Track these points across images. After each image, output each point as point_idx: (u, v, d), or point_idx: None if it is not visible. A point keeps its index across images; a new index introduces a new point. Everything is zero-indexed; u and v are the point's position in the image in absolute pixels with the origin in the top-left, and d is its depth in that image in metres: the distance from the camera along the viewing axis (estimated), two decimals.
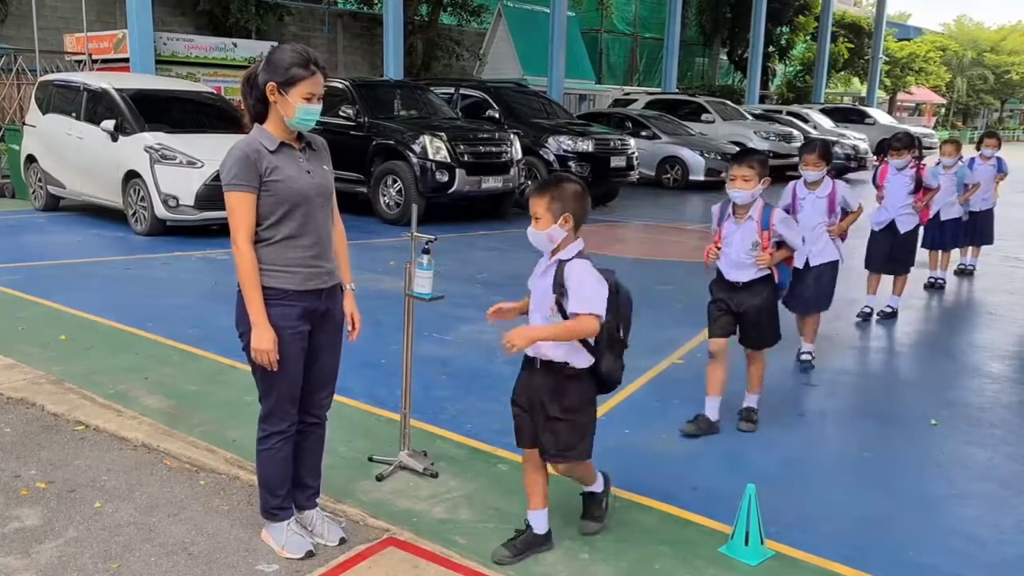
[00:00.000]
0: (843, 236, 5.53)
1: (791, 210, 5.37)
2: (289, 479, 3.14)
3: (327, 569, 3.01)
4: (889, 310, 7.07)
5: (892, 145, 6.84)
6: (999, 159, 9.15)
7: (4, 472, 3.71)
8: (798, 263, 4.96)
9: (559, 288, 2.90)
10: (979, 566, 3.22)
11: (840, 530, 3.45)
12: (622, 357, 3.10)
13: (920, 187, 6.84)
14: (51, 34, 16.47)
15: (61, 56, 15.75)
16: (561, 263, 2.93)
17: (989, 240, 9.33)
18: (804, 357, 5.64)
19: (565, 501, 3.56)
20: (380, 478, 3.72)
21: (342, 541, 3.18)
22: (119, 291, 7.32)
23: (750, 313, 4.37)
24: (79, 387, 4.74)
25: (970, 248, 9.34)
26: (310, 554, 3.09)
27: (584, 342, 2.96)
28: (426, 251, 3.47)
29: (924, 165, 6.84)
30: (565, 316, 2.91)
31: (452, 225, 11.05)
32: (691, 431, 4.34)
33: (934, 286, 8.39)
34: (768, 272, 4.36)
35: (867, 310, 6.96)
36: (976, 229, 9.08)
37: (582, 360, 2.99)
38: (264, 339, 2.88)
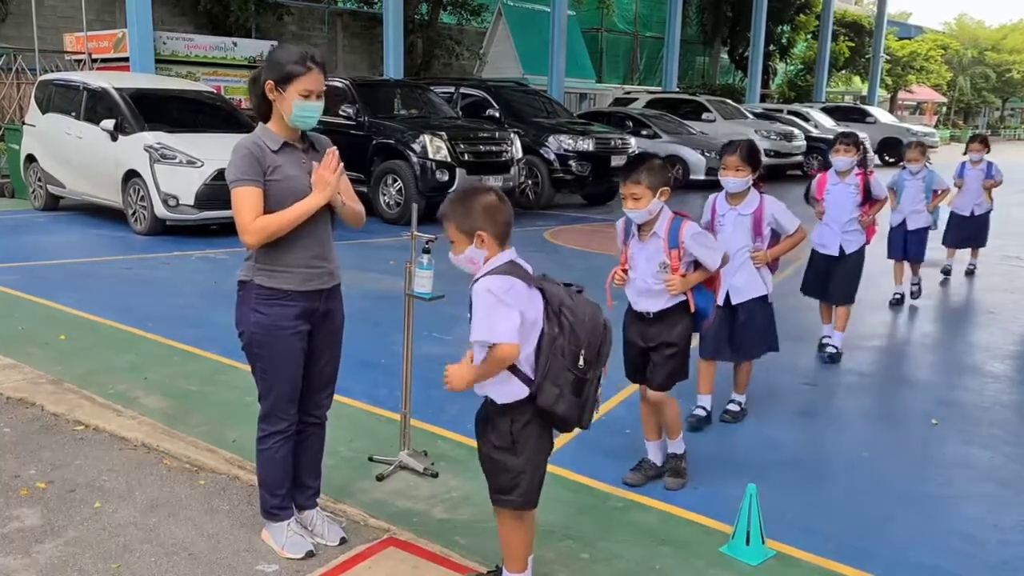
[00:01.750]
0: (773, 265, 4.50)
1: (710, 230, 4.37)
2: (289, 479, 3.14)
3: (327, 569, 3.01)
4: (833, 350, 5.83)
5: (839, 140, 5.70)
6: (989, 163, 8.79)
7: (4, 472, 3.71)
8: (720, 297, 4.16)
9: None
10: (979, 566, 3.22)
11: (841, 530, 3.44)
12: (583, 393, 2.60)
13: (868, 198, 5.73)
14: (51, 33, 16.46)
15: (61, 55, 15.75)
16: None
17: (981, 241, 9.05)
18: (731, 408, 4.62)
19: (569, 500, 3.56)
20: (380, 478, 3.72)
21: (342, 541, 3.18)
22: (119, 291, 7.32)
23: (659, 349, 3.66)
24: (79, 387, 4.74)
25: (969, 250, 9.15)
26: (310, 554, 3.08)
27: (515, 370, 2.57)
28: (426, 251, 3.46)
29: (871, 172, 5.81)
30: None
31: None
32: (634, 481, 3.73)
33: (899, 303, 7.55)
34: (684, 299, 3.63)
35: (827, 340, 5.89)
36: (973, 231, 8.85)
37: (506, 393, 2.60)
38: (320, 196, 2.86)
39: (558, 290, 2.61)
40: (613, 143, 14.12)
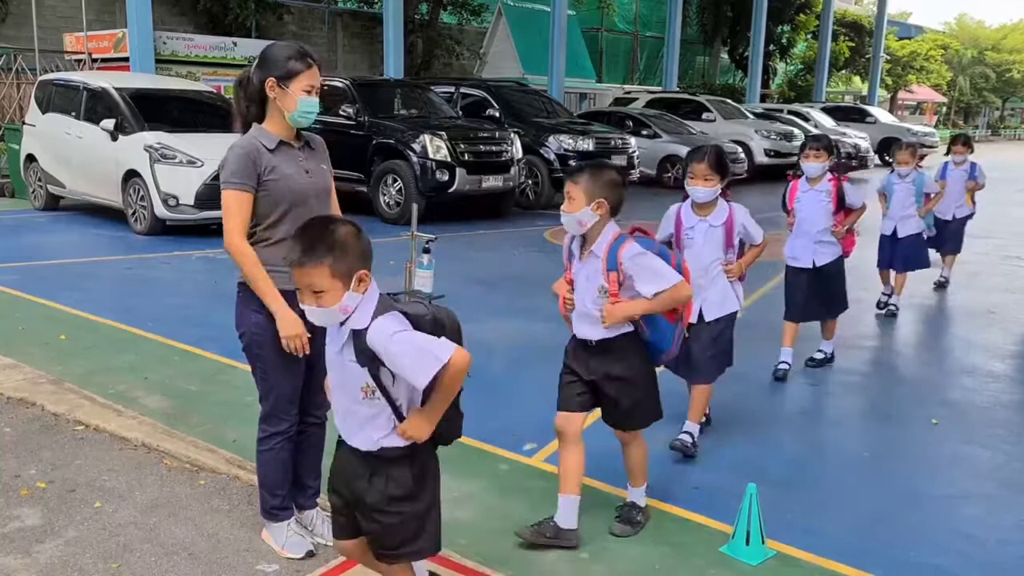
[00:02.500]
0: (741, 278, 4.23)
1: (675, 243, 4.06)
2: (289, 479, 3.14)
3: (327, 569, 3.01)
4: (821, 355, 5.64)
5: (808, 144, 5.33)
6: (973, 164, 8.35)
7: (4, 472, 3.71)
8: (693, 315, 3.90)
9: (367, 362, 2.25)
10: (980, 566, 3.22)
11: (841, 529, 3.45)
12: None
13: (842, 207, 5.30)
14: (51, 33, 16.46)
15: (61, 55, 15.75)
16: (356, 333, 2.24)
17: (955, 247, 8.42)
18: (684, 438, 4.06)
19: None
20: None
21: None
22: (119, 291, 7.32)
23: (605, 384, 3.19)
24: (79, 387, 4.74)
25: (942, 257, 8.39)
26: (310, 554, 3.09)
27: (394, 406, 2.34)
28: (426, 250, 3.47)
29: (846, 177, 5.42)
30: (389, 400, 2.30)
31: (452, 224, 11.04)
32: (530, 538, 3.19)
33: (886, 310, 7.21)
34: (631, 329, 3.16)
35: (783, 366, 5.35)
36: (950, 236, 8.26)
37: (387, 438, 2.36)
38: (291, 325, 2.85)
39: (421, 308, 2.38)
40: (613, 143, 14.13)
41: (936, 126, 46.99)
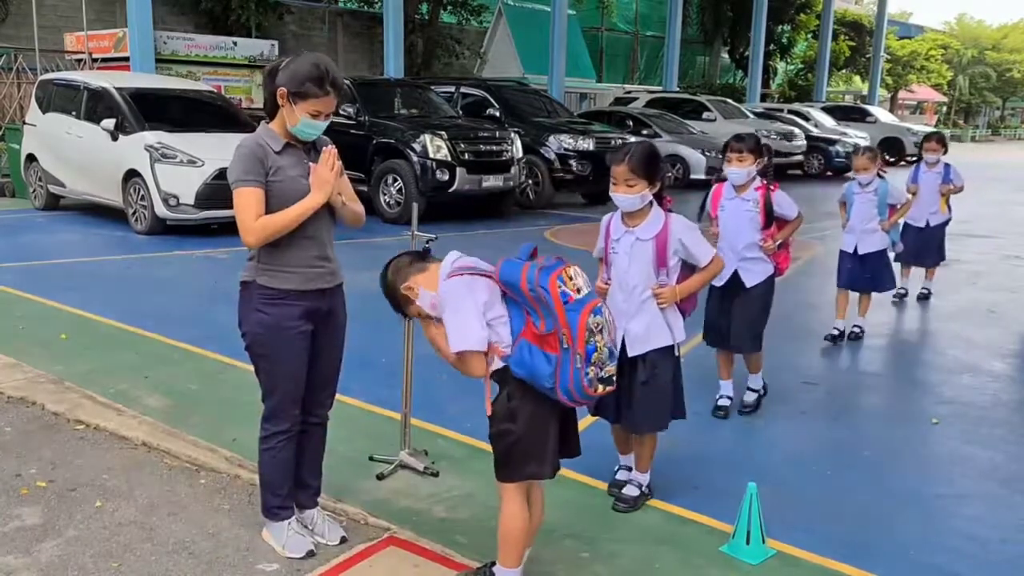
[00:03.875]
0: (687, 305, 3.49)
1: (604, 260, 3.55)
2: (290, 479, 3.14)
3: (328, 568, 3.01)
4: (753, 396, 4.76)
5: (730, 145, 4.48)
6: (947, 166, 7.53)
7: (4, 471, 3.71)
8: (630, 348, 3.36)
9: None
10: (980, 565, 3.22)
11: (842, 529, 3.44)
12: None
13: (771, 220, 4.49)
14: (51, 33, 16.47)
15: (61, 55, 15.76)
16: None
17: (939, 257, 7.77)
18: (625, 488, 3.60)
19: (570, 499, 3.56)
20: (381, 477, 3.72)
21: (343, 540, 3.18)
22: (119, 290, 7.33)
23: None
24: (79, 386, 4.74)
25: (924, 270, 7.79)
26: (311, 553, 3.08)
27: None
28: (427, 250, 3.45)
29: (775, 186, 4.55)
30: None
31: (452, 224, 11.05)
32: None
33: (849, 335, 6.28)
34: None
35: (725, 403, 4.68)
36: (928, 246, 7.56)
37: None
38: (319, 195, 2.86)
39: None
40: (613, 143, 14.11)
41: (936, 126, 46.98)
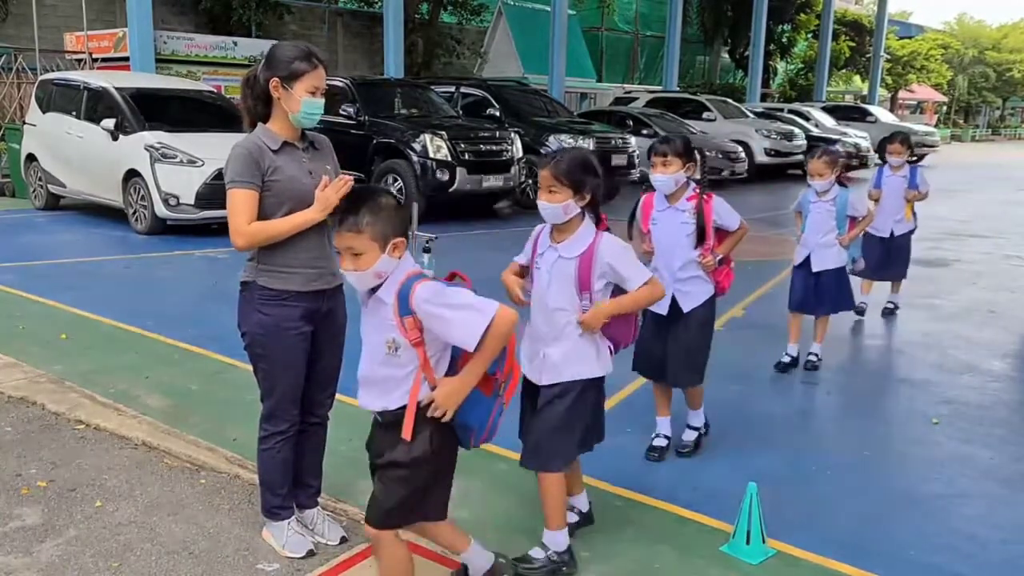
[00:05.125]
0: (619, 335, 3.08)
1: (528, 273, 3.15)
2: (290, 479, 3.14)
3: (328, 568, 3.01)
4: (692, 435, 4.15)
5: (654, 149, 3.89)
6: (914, 170, 6.83)
7: (5, 471, 3.71)
8: (532, 374, 3.03)
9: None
10: (981, 565, 3.22)
11: (842, 529, 3.45)
12: None
13: (703, 237, 3.88)
14: (51, 33, 16.48)
15: (61, 55, 15.77)
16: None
17: (902, 271, 7.04)
18: (534, 554, 3.02)
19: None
20: None
21: (343, 540, 3.18)
22: (119, 290, 7.33)
23: (385, 469, 2.75)
24: (79, 386, 4.74)
25: (889, 284, 7.12)
26: (311, 553, 3.09)
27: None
28: (427, 250, 3.47)
29: (708, 196, 3.93)
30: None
31: (452, 224, 11.05)
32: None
33: (790, 366, 5.50)
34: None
35: (661, 443, 4.11)
36: (893, 259, 6.86)
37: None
38: (318, 213, 2.85)
39: None
40: (613, 142, 14.13)
41: (936, 125, 46.99)
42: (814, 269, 5.43)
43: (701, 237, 3.87)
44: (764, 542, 3.18)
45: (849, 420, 4.86)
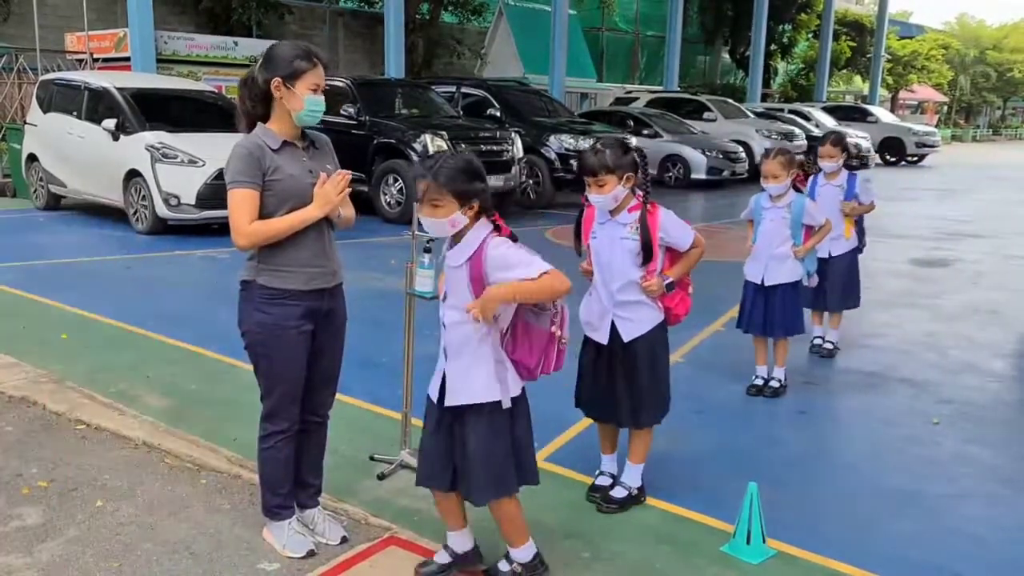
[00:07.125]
0: (523, 354, 2.78)
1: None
2: (290, 478, 3.14)
3: (328, 568, 3.01)
4: (623, 493, 3.56)
5: (583, 167, 3.37)
6: (852, 176, 5.72)
7: (5, 471, 3.71)
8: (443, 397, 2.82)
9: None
10: (981, 565, 3.22)
11: (842, 528, 3.44)
12: None
13: (649, 255, 3.34)
14: (52, 33, 16.48)
15: (62, 55, 15.78)
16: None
17: (847, 298, 5.78)
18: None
19: (570, 499, 3.56)
20: (381, 477, 3.72)
21: (344, 540, 3.18)
22: (120, 290, 7.33)
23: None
24: (80, 386, 4.74)
25: (825, 315, 5.88)
26: (311, 553, 3.08)
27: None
28: (427, 250, 3.45)
29: (653, 207, 3.39)
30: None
31: None
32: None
33: (763, 388, 5.00)
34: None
35: (604, 482, 3.65)
36: (830, 284, 5.57)
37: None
38: (318, 211, 2.88)
39: None
40: None
41: (937, 125, 46.97)
42: (766, 283, 4.86)
43: (648, 256, 3.33)
44: (764, 542, 3.18)
45: (849, 420, 4.86)
